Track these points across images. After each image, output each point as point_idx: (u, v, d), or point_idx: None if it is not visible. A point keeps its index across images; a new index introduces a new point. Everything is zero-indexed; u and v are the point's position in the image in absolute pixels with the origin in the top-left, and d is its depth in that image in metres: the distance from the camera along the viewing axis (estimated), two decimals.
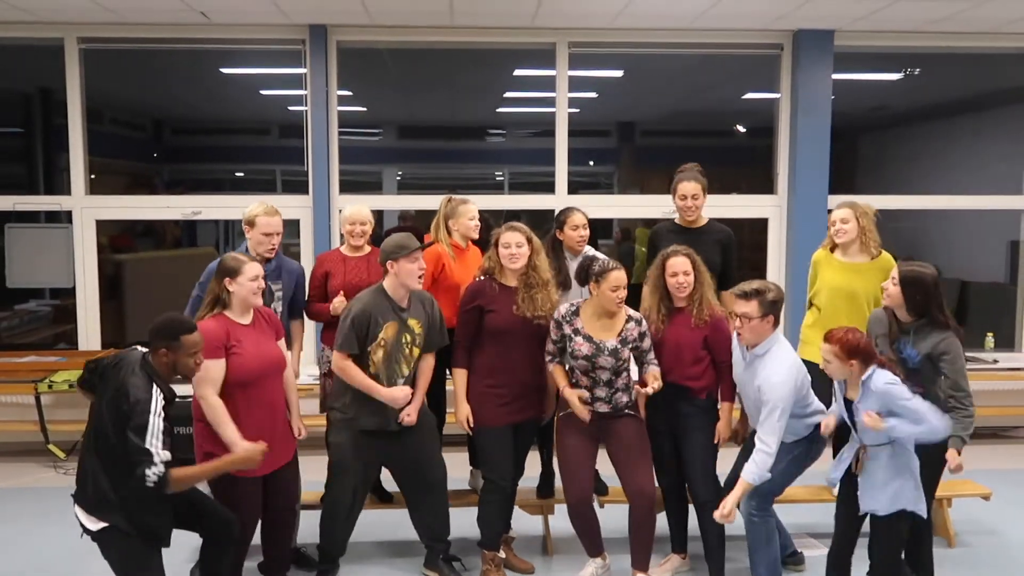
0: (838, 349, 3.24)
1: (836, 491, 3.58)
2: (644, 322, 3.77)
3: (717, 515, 3.47)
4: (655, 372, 3.69)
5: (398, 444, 3.80)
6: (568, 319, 3.74)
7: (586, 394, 3.71)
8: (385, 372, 3.74)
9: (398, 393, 3.72)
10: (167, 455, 2.92)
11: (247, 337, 3.48)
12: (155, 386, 3.00)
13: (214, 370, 3.34)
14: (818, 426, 3.59)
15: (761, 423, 3.47)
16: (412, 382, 3.84)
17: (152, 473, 2.86)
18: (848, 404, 3.35)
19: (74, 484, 3.10)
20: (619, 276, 3.63)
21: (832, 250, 4.45)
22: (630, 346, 3.70)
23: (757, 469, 3.43)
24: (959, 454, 3.46)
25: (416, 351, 3.81)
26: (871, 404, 3.23)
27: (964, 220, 7.37)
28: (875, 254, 4.34)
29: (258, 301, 3.54)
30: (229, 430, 3.32)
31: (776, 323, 3.58)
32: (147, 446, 2.87)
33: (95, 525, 3.04)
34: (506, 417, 3.86)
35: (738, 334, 3.60)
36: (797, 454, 3.64)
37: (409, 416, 3.76)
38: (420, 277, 3.73)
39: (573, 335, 3.70)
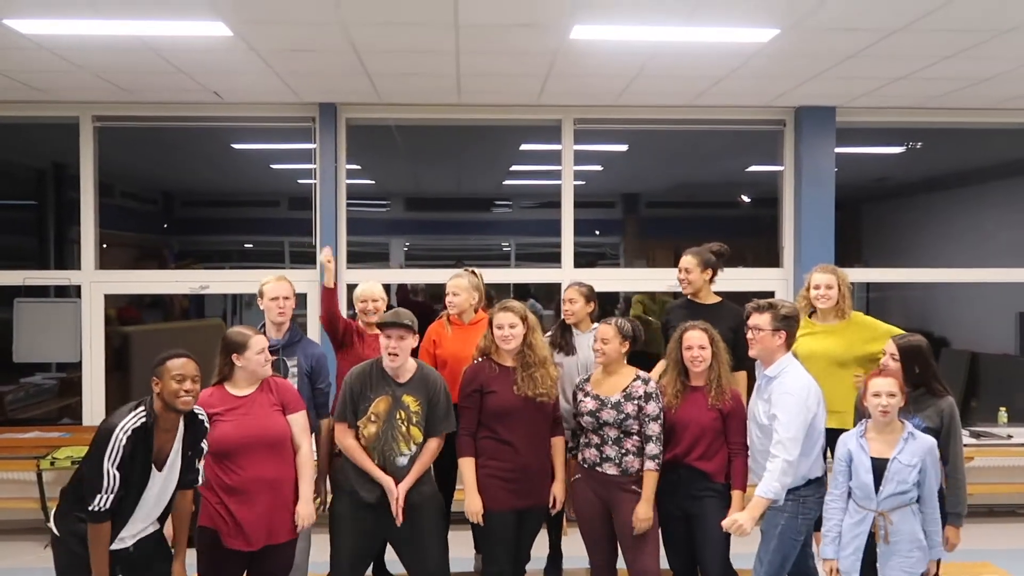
0: (901, 384, 3.36)
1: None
2: (653, 383, 3.78)
3: (726, 522, 3.44)
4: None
5: (396, 522, 3.66)
6: (581, 385, 3.88)
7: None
8: (380, 449, 3.64)
9: (388, 482, 3.61)
10: (107, 502, 3.00)
11: (237, 408, 3.48)
12: (132, 416, 3.05)
13: None
14: (811, 482, 3.51)
15: (775, 440, 3.42)
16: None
17: (95, 504, 2.99)
18: (874, 465, 3.32)
19: None
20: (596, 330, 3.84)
21: (810, 315, 4.39)
22: (635, 402, 3.70)
23: (772, 480, 3.38)
24: (957, 531, 3.52)
25: (415, 431, 3.66)
26: (914, 458, 3.27)
27: (972, 291, 7.36)
28: (844, 316, 4.31)
29: (268, 371, 3.55)
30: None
31: (789, 343, 3.60)
32: (102, 477, 2.98)
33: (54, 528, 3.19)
34: (509, 501, 3.76)
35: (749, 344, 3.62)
36: (783, 527, 3.50)
37: (397, 502, 3.61)
38: (392, 357, 3.60)
39: (583, 397, 3.80)
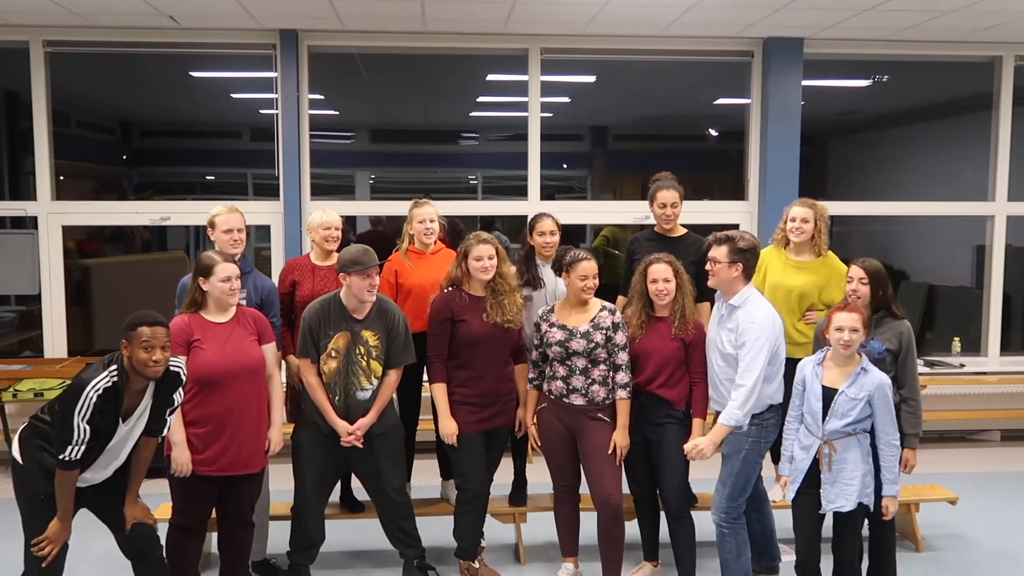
0: (864, 319, 3.36)
1: (790, 497, 3.56)
2: (619, 314, 3.84)
3: (688, 446, 3.62)
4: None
5: (358, 449, 3.74)
6: (545, 317, 3.89)
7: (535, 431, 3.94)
8: (341, 383, 3.69)
9: (342, 427, 3.69)
10: (77, 452, 2.99)
11: (215, 335, 3.47)
12: (105, 374, 3.01)
13: None
14: (772, 407, 3.61)
15: (741, 369, 3.52)
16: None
17: (65, 455, 2.99)
18: (824, 394, 3.40)
19: None
20: (588, 266, 3.76)
21: (784, 246, 4.45)
22: (603, 332, 3.75)
23: (735, 408, 3.50)
24: (915, 452, 3.63)
25: (375, 365, 3.72)
26: (860, 392, 3.32)
27: (932, 224, 7.46)
28: (820, 252, 4.35)
29: (233, 301, 3.54)
30: (177, 433, 3.43)
31: (748, 275, 3.66)
32: (73, 430, 2.96)
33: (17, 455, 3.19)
34: (478, 425, 3.88)
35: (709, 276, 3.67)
36: (747, 451, 3.61)
37: (350, 437, 3.70)
38: (370, 292, 3.64)
39: (548, 328, 3.82)
